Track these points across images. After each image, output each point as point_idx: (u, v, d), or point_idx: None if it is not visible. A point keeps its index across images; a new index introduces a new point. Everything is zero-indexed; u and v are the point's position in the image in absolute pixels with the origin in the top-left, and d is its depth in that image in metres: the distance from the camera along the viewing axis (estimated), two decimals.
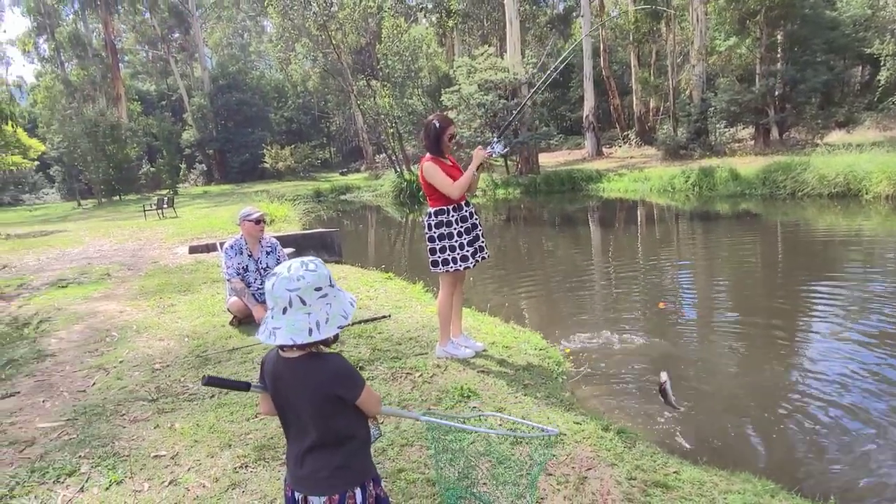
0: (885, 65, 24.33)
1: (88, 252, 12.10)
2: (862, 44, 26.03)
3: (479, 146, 4.28)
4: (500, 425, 3.21)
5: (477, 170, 4.18)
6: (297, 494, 1.78)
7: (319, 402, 1.70)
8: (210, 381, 1.80)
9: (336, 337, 1.73)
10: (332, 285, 1.71)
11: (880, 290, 6.80)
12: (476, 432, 2.74)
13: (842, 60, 27.66)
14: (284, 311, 1.65)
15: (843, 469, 3.32)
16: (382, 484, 1.91)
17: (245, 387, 1.84)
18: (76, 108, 33.10)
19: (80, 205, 32.63)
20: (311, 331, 1.63)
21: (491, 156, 4.23)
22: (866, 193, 13.52)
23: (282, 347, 1.70)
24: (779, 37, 23.35)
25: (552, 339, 5.12)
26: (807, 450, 3.55)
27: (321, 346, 1.73)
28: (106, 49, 39.62)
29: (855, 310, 6.11)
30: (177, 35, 48.54)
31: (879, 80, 25.09)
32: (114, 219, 21.42)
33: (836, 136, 22.03)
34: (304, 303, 1.64)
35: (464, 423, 2.77)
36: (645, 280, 8.48)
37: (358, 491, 1.76)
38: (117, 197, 33.92)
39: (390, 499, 1.93)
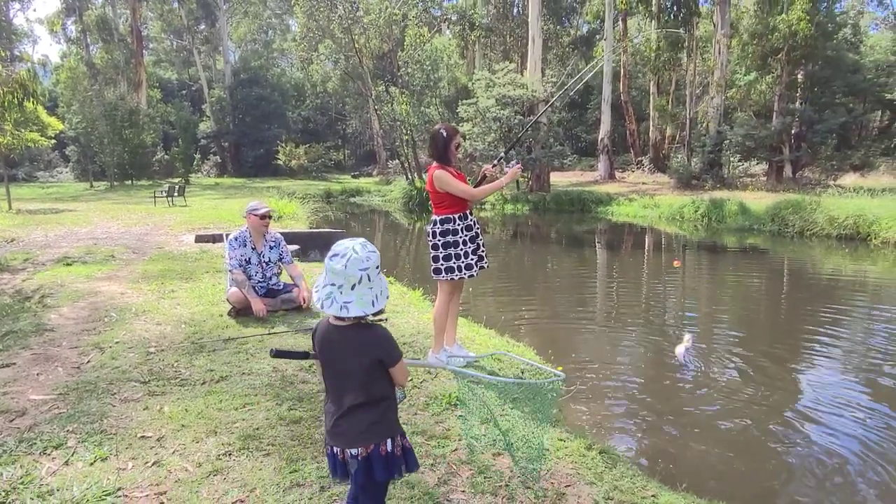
0: None
1: (96, 233, 12.20)
2: (883, 89, 26.05)
3: (518, 167, 4.34)
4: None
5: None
6: (335, 449, 2.05)
7: (364, 364, 1.98)
8: (278, 354, 2.16)
9: (382, 310, 2.03)
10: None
11: (882, 337, 6.79)
12: (491, 382, 3.49)
13: (861, 104, 27.68)
14: (353, 287, 1.91)
15: None
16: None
17: (305, 356, 2.19)
18: (97, 91, 33.34)
19: (92, 186, 32.89)
20: (373, 302, 1.94)
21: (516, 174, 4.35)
22: (875, 238, 13.48)
23: (336, 317, 1.97)
24: (799, 76, 23.42)
25: (545, 357, 5.14)
26: (789, 487, 3.55)
27: (369, 317, 1.99)
28: (132, 35, 40.00)
29: (853, 355, 6.10)
30: (202, 27, 49.02)
31: None
32: (124, 202, 21.58)
33: (849, 179, 22.00)
34: (370, 279, 1.93)
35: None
36: (646, 306, 8.49)
37: (388, 441, 2.05)
38: (130, 181, 34.15)
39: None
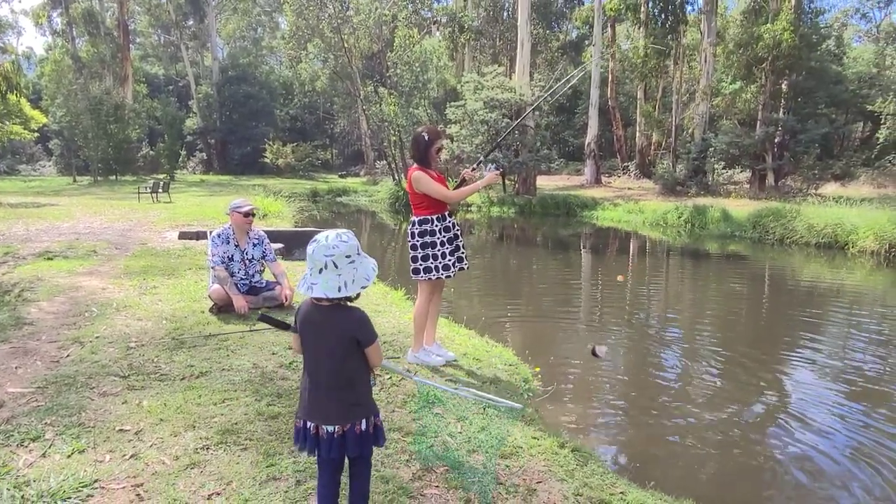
0: (885, 123, 24.71)
1: (78, 227, 12.11)
2: (864, 100, 26.47)
3: (495, 172, 4.43)
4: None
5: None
6: (309, 424, 2.16)
7: (341, 342, 2.13)
8: (263, 318, 2.46)
9: (358, 295, 2.17)
10: (359, 253, 2.16)
11: (860, 341, 6.93)
12: (454, 394, 3.79)
13: (843, 115, 28.14)
14: (320, 271, 2.09)
15: None
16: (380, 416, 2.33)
17: (287, 327, 2.39)
18: (82, 85, 33.00)
19: (75, 180, 32.55)
20: (340, 288, 2.08)
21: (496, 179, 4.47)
22: (852, 247, 13.71)
23: (317, 298, 2.12)
24: (783, 86, 23.73)
25: (523, 357, 5.21)
26: (759, 486, 3.64)
27: (346, 301, 2.15)
28: (118, 29, 39.59)
29: (832, 358, 6.22)
30: (191, 22, 48.68)
31: (878, 138, 25.47)
32: (108, 198, 21.39)
33: (830, 189, 22.32)
34: (336, 266, 2.09)
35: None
36: (629, 309, 8.59)
37: (363, 421, 2.17)
38: (114, 176, 33.83)
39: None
